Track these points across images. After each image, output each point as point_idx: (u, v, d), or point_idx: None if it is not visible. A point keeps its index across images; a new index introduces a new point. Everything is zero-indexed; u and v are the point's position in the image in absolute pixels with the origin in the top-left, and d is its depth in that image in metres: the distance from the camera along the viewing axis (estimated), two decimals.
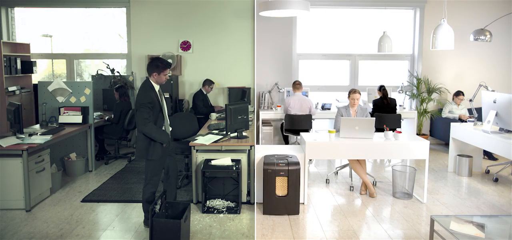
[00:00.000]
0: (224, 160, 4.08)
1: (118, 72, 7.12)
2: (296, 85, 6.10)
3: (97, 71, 7.08)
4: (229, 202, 4.17)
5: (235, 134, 4.45)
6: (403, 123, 6.32)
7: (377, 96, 6.24)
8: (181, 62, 7.18)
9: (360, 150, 4.32)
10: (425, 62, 7.35)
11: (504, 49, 7.33)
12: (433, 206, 4.28)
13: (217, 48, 7.21)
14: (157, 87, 3.51)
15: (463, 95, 6.64)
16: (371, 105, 6.28)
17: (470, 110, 6.59)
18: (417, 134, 6.57)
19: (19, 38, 7.40)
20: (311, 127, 5.98)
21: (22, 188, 4.01)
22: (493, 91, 5.12)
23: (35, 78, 7.23)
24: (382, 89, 6.09)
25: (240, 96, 6.97)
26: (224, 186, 4.21)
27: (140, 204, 4.22)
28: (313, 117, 6.05)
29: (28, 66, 6.85)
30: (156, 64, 3.47)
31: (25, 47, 6.96)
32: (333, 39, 7.41)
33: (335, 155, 4.54)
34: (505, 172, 5.47)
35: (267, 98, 7.06)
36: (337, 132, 4.63)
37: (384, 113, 5.91)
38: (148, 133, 3.41)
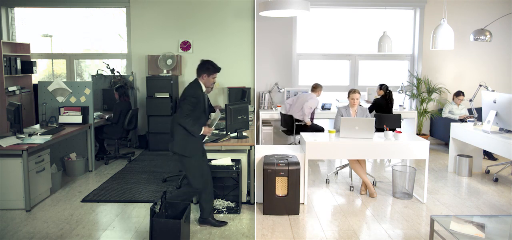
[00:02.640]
0: (224, 160, 4.08)
1: (118, 72, 7.12)
2: (312, 86, 6.17)
3: (97, 71, 7.08)
4: (229, 202, 4.17)
5: (235, 134, 4.45)
6: (403, 123, 6.32)
7: (377, 95, 6.20)
8: (181, 62, 7.18)
9: (360, 150, 4.32)
10: (425, 62, 7.35)
11: (504, 49, 7.33)
12: (433, 206, 4.28)
13: (217, 48, 7.21)
14: (204, 89, 3.59)
15: (463, 95, 6.64)
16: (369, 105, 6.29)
17: (470, 110, 6.59)
18: (417, 134, 6.56)
19: (19, 38, 7.40)
20: (293, 132, 5.95)
21: (22, 188, 4.00)
22: (493, 91, 5.12)
23: (35, 78, 7.23)
24: (385, 89, 6.05)
25: (240, 96, 6.97)
26: (224, 186, 4.21)
27: (140, 204, 4.27)
28: (303, 117, 5.97)
29: (28, 66, 6.85)
30: (207, 66, 3.55)
31: (25, 47, 6.96)
32: (333, 39, 7.41)
33: (335, 155, 4.53)
34: (505, 172, 5.47)
35: (267, 98, 7.06)
36: (337, 132, 4.63)
37: (385, 113, 5.91)
38: (184, 124, 3.43)
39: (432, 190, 4.79)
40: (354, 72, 7.42)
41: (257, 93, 7.26)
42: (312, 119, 6.18)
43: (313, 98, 6.01)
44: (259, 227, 3.70)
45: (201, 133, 3.53)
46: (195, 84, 3.57)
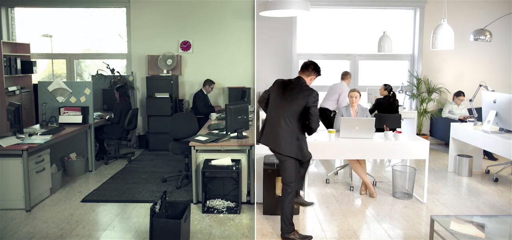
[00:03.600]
0: (224, 160, 4.08)
1: (118, 72, 7.12)
2: (342, 74, 6.11)
3: (97, 71, 7.08)
4: (229, 202, 4.17)
5: (235, 134, 4.45)
6: (403, 123, 6.31)
7: (380, 94, 6.15)
8: (181, 62, 7.18)
9: (360, 150, 4.32)
10: (425, 62, 7.35)
11: (504, 49, 7.33)
12: (433, 206, 4.28)
13: (217, 48, 7.21)
14: None
15: (464, 95, 6.63)
16: (371, 105, 6.26)
17: (470, 110, 6.58)
18: (417, 134, 6.56)
19: (19, 38, 7.40)
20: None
21: (22, 188, 4.01)
22: (493, 91, 5.12)
23: (35, 78, 7.22)
24: (389, 89, 5.99)
25: (240, 96, 6.97)
26: (224, 186, 4.21)
27: (140, 204, 4.27)
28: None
29: (28, 66, 6.84)
30: (318, 68, 3.47)
31: (25, 47, 6.96)
32: (333, 39, 7.41)
33: (335, 155, 4.53)
34: (505, 172, 5.47)
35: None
36: (337, 132, 4.63)
37: (386, 113, 5.88)
38: (316, 127, 3.36)
39: (432, 190, 4.79)
40: (354, 72, 7.42)
41: (257, 93, 7.24)
42: None
43: (347, 87, 5.99)
44: (259, 227, 3.70)
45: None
46: (308, 85, 3.42)
